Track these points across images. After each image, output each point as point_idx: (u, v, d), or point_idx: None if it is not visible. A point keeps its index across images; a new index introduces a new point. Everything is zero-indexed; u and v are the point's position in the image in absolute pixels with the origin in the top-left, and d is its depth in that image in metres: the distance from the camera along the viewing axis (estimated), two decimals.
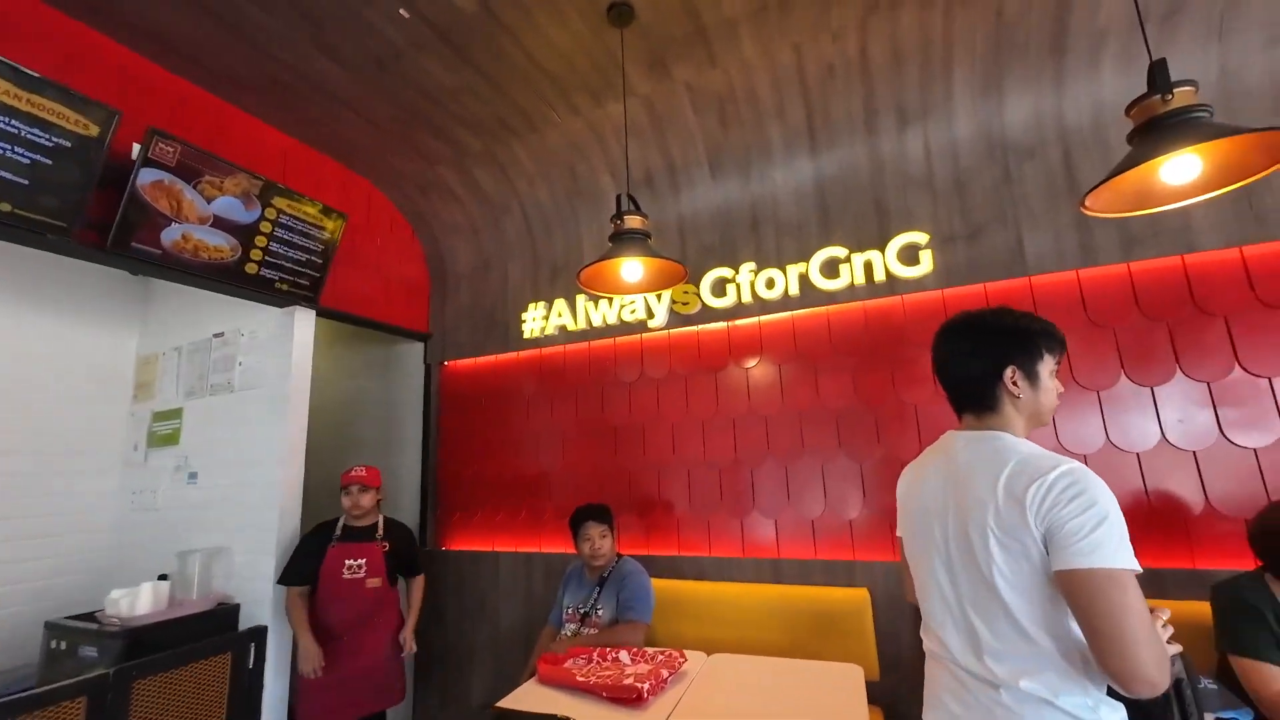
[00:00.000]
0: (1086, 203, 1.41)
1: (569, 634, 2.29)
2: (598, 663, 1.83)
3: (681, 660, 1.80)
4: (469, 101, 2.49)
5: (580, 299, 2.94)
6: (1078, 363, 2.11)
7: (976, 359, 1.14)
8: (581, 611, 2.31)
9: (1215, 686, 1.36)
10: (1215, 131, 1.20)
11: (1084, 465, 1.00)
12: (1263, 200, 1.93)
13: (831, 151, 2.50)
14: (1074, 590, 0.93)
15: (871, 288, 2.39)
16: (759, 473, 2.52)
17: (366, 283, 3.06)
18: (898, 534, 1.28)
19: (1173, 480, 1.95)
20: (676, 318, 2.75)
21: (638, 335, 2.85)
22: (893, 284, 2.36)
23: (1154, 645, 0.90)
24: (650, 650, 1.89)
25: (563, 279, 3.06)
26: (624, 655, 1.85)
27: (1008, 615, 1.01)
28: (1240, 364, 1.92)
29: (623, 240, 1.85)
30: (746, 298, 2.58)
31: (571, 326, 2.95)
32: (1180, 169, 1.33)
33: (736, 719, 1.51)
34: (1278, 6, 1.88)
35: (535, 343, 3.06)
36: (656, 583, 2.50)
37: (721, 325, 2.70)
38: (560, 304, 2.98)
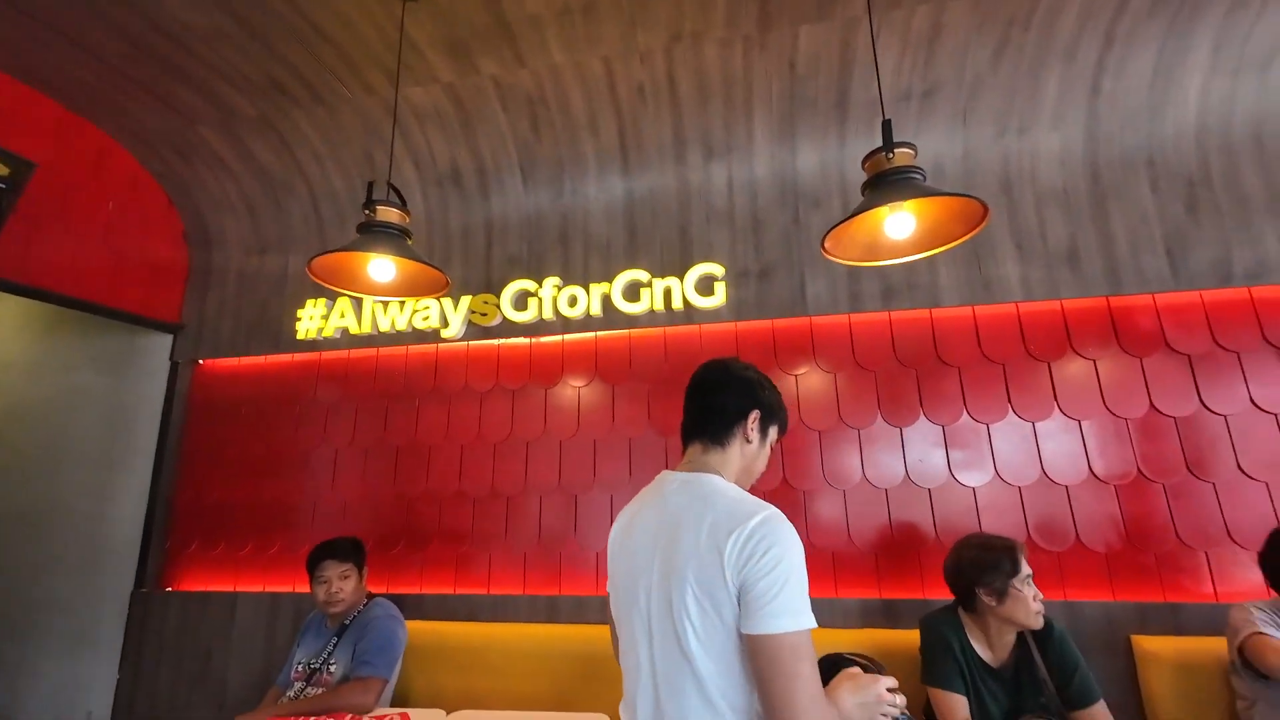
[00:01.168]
0: (826, 244, 1.45)
1: (292, 696, 1.90)
2: None
3: None
4: (229, 53, 2.09)
5: (368, 300, 2.60)
6: (845, 402, 2.23)
7: (734, 394, 1.12)
8: (312, 668, 1.94)
9: (905, 716, 1.41)
10: (918, 191, 1.28)
11: (779, 514, 0.95)
12: (990, 269, 2.19)
13: (643, 174, 2.47)
14: (756, 653, 0.87)
15: (670, 314, 2.36)
16: (548, 502, 2.35)
17: (87, 255, 2.45)
18: (607, 589, 1.15)
19: (911, 514, 2.11)
20: (475, 329, 2.52)
21: (433, 345, 2.58)
22: (690, 313, 2.35)
23: (817, 711, 0.84)
24: (379, 713, 1.60)
25: None
26: None
27: (699, 688, 0.90)
28: (968, 411, 2.15)
29: (373, 234, 1.60)
30: (549, 314, 2.43)
31: (355, 329, 2.59)
32: (898, 225, 1.41)
33: None
34: (1007, 103, 2.18)
35: (312, 345, 2.64)
36: (422, 627, 2.20)
37: (524, 341, 2.52)
38: (344, 303, 2.60)
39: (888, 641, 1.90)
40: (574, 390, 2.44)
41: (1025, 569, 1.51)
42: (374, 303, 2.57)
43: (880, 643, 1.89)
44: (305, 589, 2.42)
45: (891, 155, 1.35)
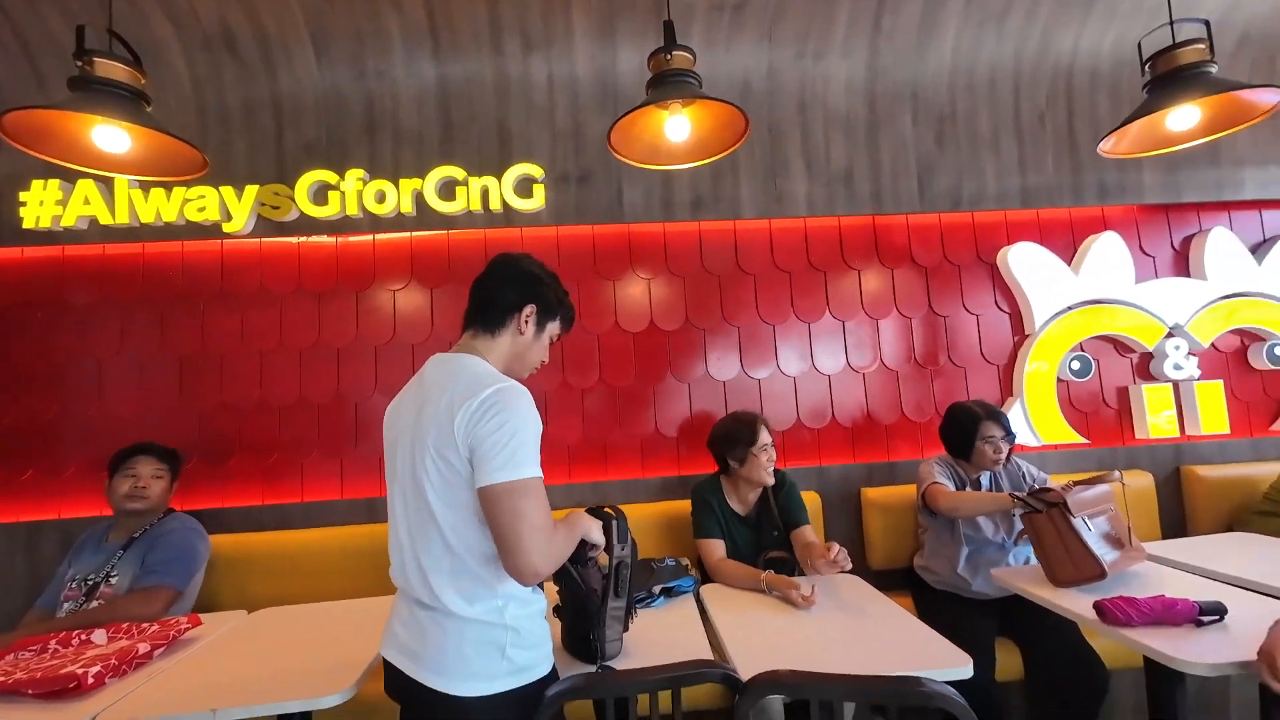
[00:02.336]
0: (612, 138, 1.50)
1: (63, 614, 1.75)
2: (54, 651, 1.41)
3: (186, 627, 1.50)
4: None
5: (123, 183, 2.19)
6: (657, 308, 2.40)
7: (514, 286, 1.17)
8: (90, 583, 1.78)
9: (672, 562, 1.70)
10: (684, 92, 1.37)
11: (518, 387, 1.03)
12: (783, 184, 2.42)
13: (456, 61, 2.30)
14: (485, 505, 0.98)
15: (490, 216, 2.32)
16: (365, 408, 2.29)
17: None
18: (385, 476, 1.19)
19: (709, 404, 2.39)
20: (267, 225, 2.26)
21: (216, 241, 2.28)
22: (510, 215, 2.32)
23: (541, 541, 0.97)
24: (149, 624, 1.54)
25: None
26: (99, 635, 1.46)
27: (440, 536, 1.01)
28: (759, 314, 2.43)
29: (92, 93, 1.34)
30: (354, 210, 2.25)
31: (107, 219, 2.19)
32: (677, 128, 1.51)
33: (220, 681, 1.30)
34: (806, 27, 2.33)
35: (49, 237, 2.19)
36: (230, 539, 2.11)
37: (328, 239, 2.33)
38: (88, 188, 2.17)
39: (682, 510, 2.20)
40: (389, 294, 2.34)
41: (762, 439, 1.83)
42: (130, 187, 2.18)
43: (675, 512, 2.19)
44: (75, 513, 2.17)
45: (670, 56, 1.42)
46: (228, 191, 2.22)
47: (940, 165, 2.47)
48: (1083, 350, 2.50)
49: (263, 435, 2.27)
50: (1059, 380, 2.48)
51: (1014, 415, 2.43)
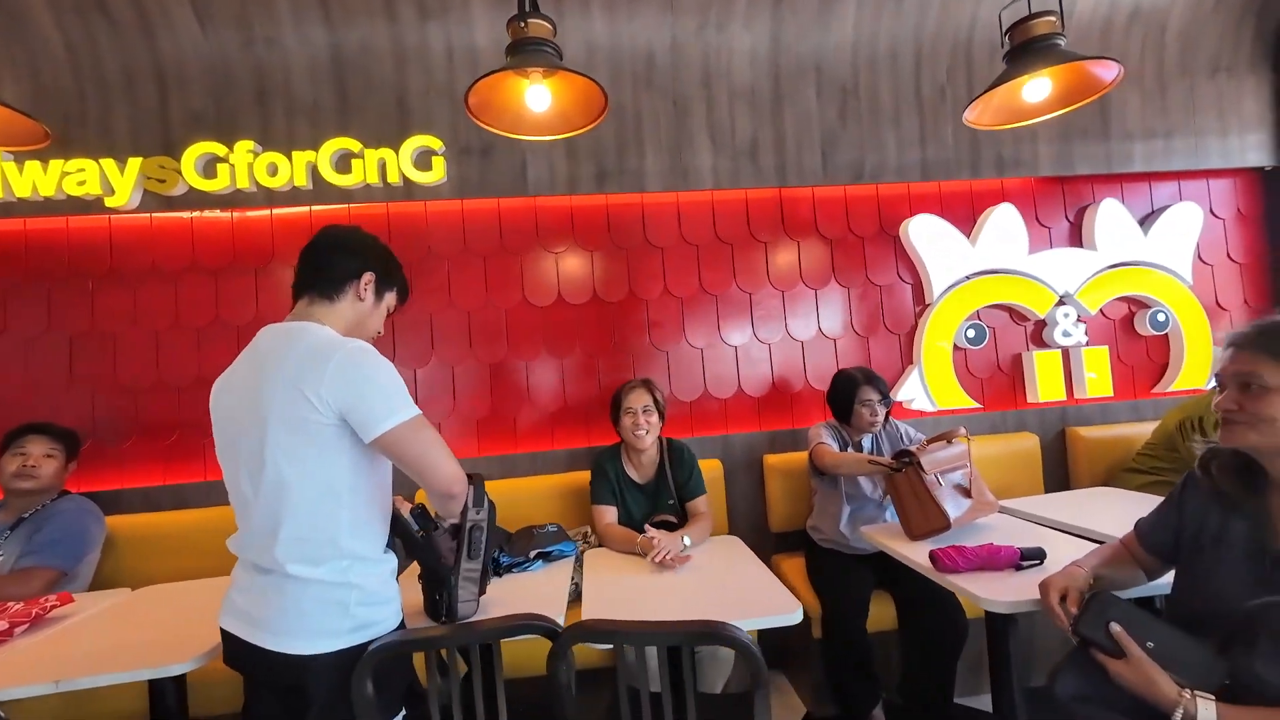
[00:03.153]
0: (470, 101, 1.49)
1: None
2: None
3: (53, 604, 1.50)
4: None
5: None
6: (565, 282, 2.41)
7: (352, 254, 1.19)
8: None
9: (553, 528, 1.75)
10: (544, 60, 1.37)
11: (366, 345, 1.06)
12: (688, 158, 2.43)
13: (349, 28, 2.23)
14: (389, 448, 1.03)
15: (389, 189, 2.28)
16: None
17: None
18: (216, 452, 1.19)
19: (619, 376, 2.43)
20: (154, 199, 2.20)
21: (103, 217, 2.21)
22: (410, 188, 2.29)
23: (447, 455, 1.07)
24: (15, 603, 1.53)
25: None
26: None
27: (290, 504, 1.02)
28: (667, 288, 2.47)
29: None
30: (246, 183, 2.20)
31: None
32: (537, 98, 1.51)
33: (75, 654, 1.30)
34: None
35: None
36: (125, 520, 2.09)
37: (223, 214, 2.27)
38: None
39: (584, 479, 2.25)
40: (289, 270, 2.29)
41: (627, 402, 1.90)
42: (2, 158, 2.08)
43: (578, 482, 2.23)
44: None
45: (525, 24, 1.41)
46: (109, 164, 2.14)
47: (843, 138, 2.50)
48: (979, 319, 2.60)
49: (161, 415, 2.23)
50: (956, 348, 2.58)
51: (912, 382, 2.53)
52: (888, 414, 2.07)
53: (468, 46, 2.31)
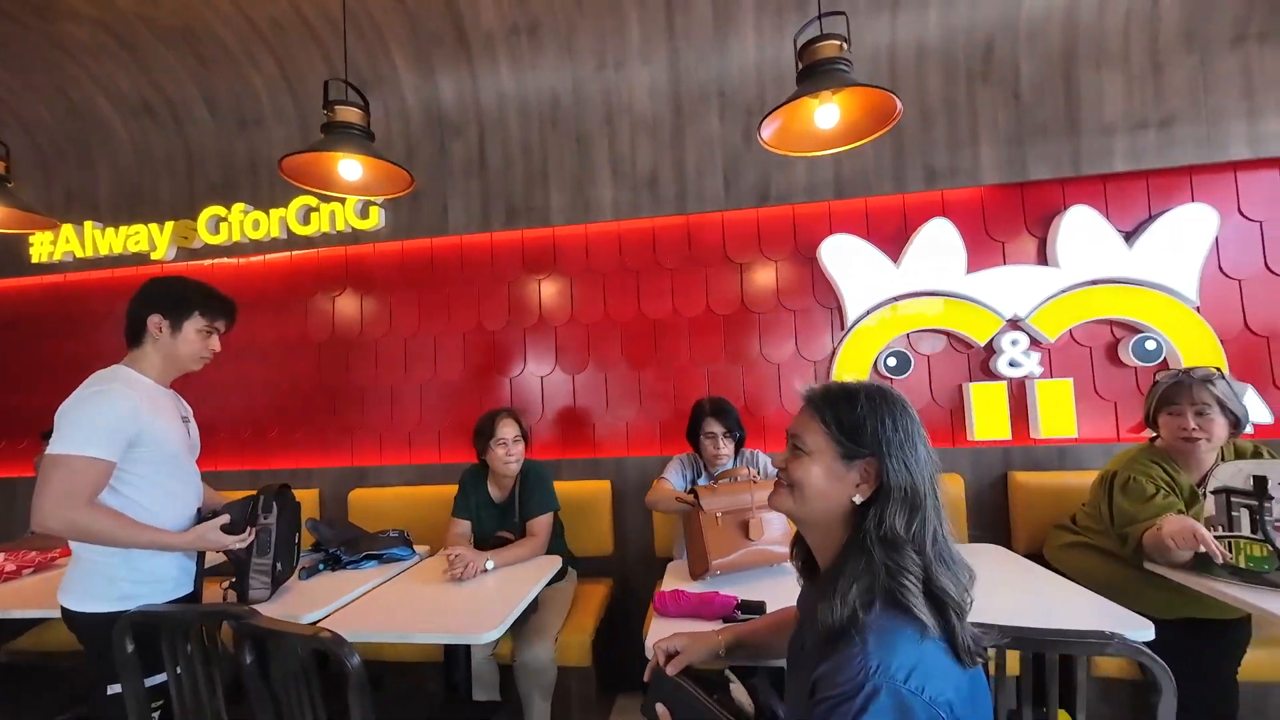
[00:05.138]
0: (283, 166, 1.80)
1: None
2: None
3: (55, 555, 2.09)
4: None
5: (89, 226, 2.89)
6: (485, 310, 2.67)
7: (138, 306, 1.47)
8: None
9: (395, 534, 2.00)
10: (354, 145, 1.63)
11: (98, 385, 1.36)
12: (589, 191, 2.55)
13: (311, 112, 2.69)
14: None
15: (340, 235, 2.72)
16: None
17: None
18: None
19: (492, 400, 2.62)
20: (184, 252, 2.85)
21: (153, 267, 2.92)
22: (356, 234, 2.70)
23: (52, 505, 1.27)
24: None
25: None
26: None
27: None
28: (573, 315, 2.61)
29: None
30: (238, 236, 2.76)
31: (81, 253, 2.90)
32: (349, 170, 1.77)
33: None
34: (600, 41, 2.43)
35: (45, 268, 2.96)
36: None
37: (230, 261, 2.88)
38: (67, 230, 2.89)
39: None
40: (260, 306, 2.83)
41: (499, 433, 2.04)
42: (94, 229, 2.87)
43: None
44: None
45: (334, 111, 1.68)
46: (154, 227, 2.83)
47: (747, 161, 2.44)
48: (907, 345, 2.37)
49: None
50: (881, 377, 2.37)
51: None
52: (738, 446, 2.02)
53: (400, 109, 2.67)
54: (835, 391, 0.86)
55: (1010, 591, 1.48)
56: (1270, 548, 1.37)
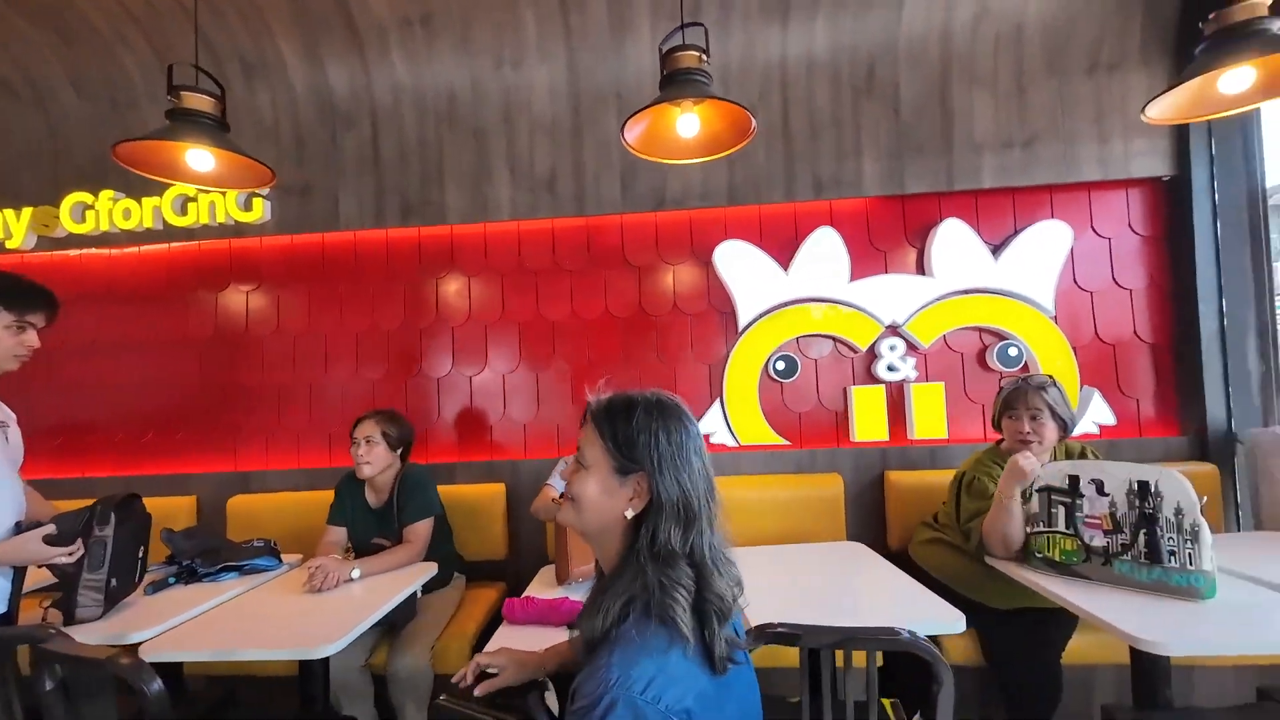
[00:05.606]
0: (118, 153, 1.70)
1: None
2: None
3: None
4: None
5: None
6: (379, 306, 2.58)
7: None
8: None
9: (260, 544, 1.91)
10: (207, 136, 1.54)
11: None
12: (488, 191, 2.51)
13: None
14: None
15: (221, 228, 2.57)
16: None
17: None
18: None
19: (417, 401, 2.56)
20: (46, 241, 2.64)
21: (14, 256, 2.69)
22: (239, 227, 2.57)
23: None
24: None
25: None
26: None
27: None
28: (471, 315, 2.56)
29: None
30: (107, 225, 2.57)
31: None
32: (199, 160, 1.68)
33: None
34: (498, 36, 2.39)
35: None
36: None
37: (99, 252, 2.68)
38: None
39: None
40: (144, 300, 2.66)
41: (354, 435, 1.99)
42: None
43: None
44: None
45: (180, 97, 1.59)
46: (9, 213, 2.60)
47: (644, 164, 2.45)
48: (796, 350, 2.44)
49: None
50: (771, 380, 2.44)
51: (714, 416, 2.43)
52: None
53: (288, 98, 2.55)
54: (616, 404, 0.86)
55: (851, 588, 1.55)
56: (1079, 542, 1.49)
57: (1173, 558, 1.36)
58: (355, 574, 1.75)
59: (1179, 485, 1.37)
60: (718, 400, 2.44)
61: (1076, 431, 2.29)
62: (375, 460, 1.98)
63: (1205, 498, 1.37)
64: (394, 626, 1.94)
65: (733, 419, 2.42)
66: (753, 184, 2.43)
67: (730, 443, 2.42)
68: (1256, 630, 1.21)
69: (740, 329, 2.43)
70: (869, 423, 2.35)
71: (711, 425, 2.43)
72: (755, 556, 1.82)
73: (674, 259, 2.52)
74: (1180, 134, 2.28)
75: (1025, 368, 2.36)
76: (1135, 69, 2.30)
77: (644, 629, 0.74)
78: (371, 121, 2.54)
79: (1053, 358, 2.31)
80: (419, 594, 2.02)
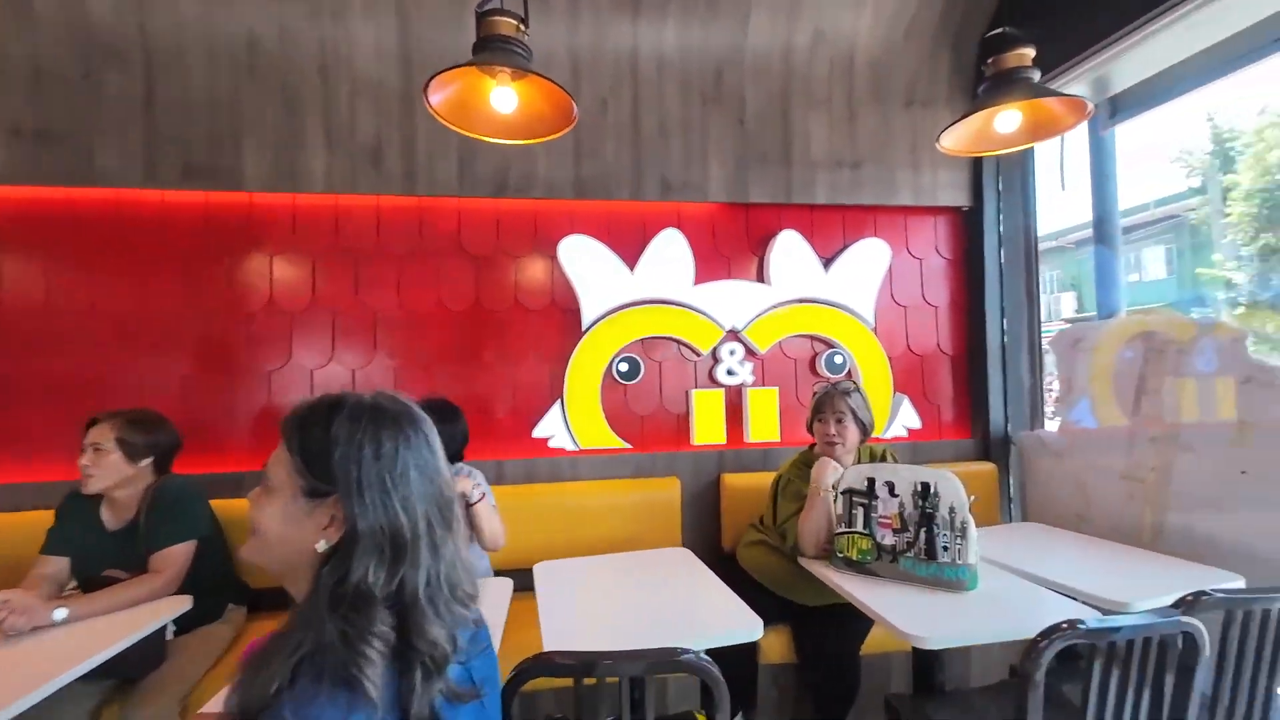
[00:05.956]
0: None
1: None
2: None
3: None
4: None
5: None
6: (150, 282, 2.13)
7: None
8: None
9: None
10: None
11: None
12: (299, 158, 2.17)
13: None
14: None
15: None
16: None
17: None
18: None
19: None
20: None
21: None
22: None
23: None
24: None
25: None
26: None
27: None
28: (273, 298, 2.20)
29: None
30: None
31: None
32: None
33: None
34: None
35: None
36: None
37: None
38: None
39: None
40: None
41: (84, 440, 1.60)
42: None
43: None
44: None
45: None
46: None
47: (485, 147, 2.26)
48: (640, 351, 2.40)
49: None
50: (614, 382, 2.37)
51: (553, 418, 2.31)
52: (454, 457, 1.84)
53: (26, 15, 2.02)
54: (311, 410, 0.70)
55: (665, 599, 1.50)
56: (873, 541, 1.56)
57: (946, 553, 1.46)
58: (59, 616, 1.37)
59: (953, 486, 1.48)
60: (558, 402, 2.32)
61: (888, 434, 2.50)
62: (103, 473, 1.59)
63: (975, 496, 1.49)
64: (135, 675, 1.57)
65: (573, 422, 2.31)
66: (601, 179, 2.34)
67: (570, 446, 2.31)
68: (1006, 617, 1.33)
69: (584, 328, 2.33)
70: (708, 426, 2.37)
71: (551, 428, 2.31)
72: (578, 568, 1.71)
73: (516, 251, 2.36)
74: (976, 170, 2.57)
75: (849, 375, 2.51)
76: (943, 108, 2.55)
77: (315, 693, 0.58)
78: (144, 59, 2.08)
79: (872, 366, 2.49)
80: (170, 634, 1.66)
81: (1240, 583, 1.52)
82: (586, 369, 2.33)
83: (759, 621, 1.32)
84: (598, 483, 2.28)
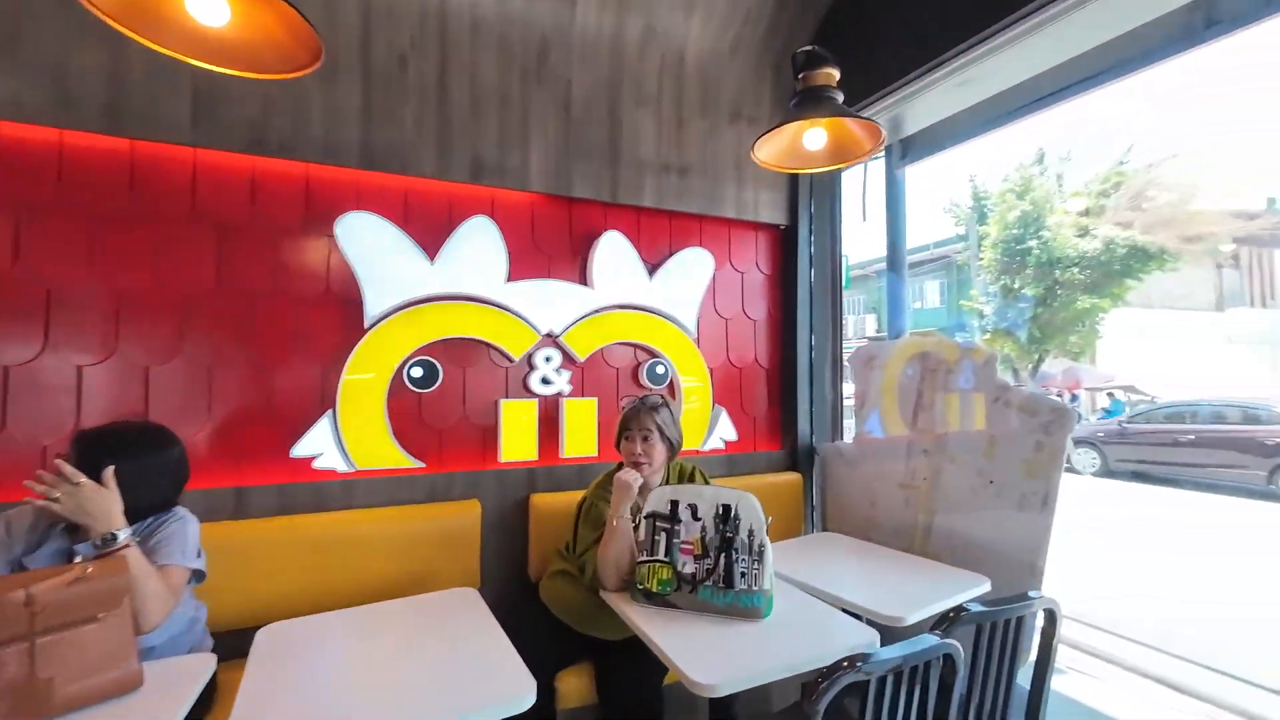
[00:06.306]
0: None
1: None
2: None
3: None
4: None
5: None
6: None
7: None
8: None
9: None
10: None
11: None
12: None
13: None
14: None
15: None
16: None
17: None
18: None
19: None
20: None
21: None
22: None
23: None
24: None
25: None
26: None
27: None
28: None
29: None
30: None
31: None
32: None
33: None
34: None
35: None
36: None
37: None
38: None
39: None
40: None
41: None
42: None
43: None
44: None
45: None
46: None
47: (238, 87, 1.79)
48: (443, 354, 2.07)
49: None
50: (405, 389, 2.01)
51: (320, 433, 1.89)
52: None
53: None
54: None
55: (429, 661, 1.21)
56: (673, 570, 1.44)
57: (743, 579, 1.38)
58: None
59: (752, 507, 1.42)
60: (329, 413, 1.90)
61: (706, 447, 2.46)
62: None
63: (770, 518, 1.44)
64: None
65: (347, 437, 1.90)
66: (396, 149, 1.98)
67: (343, 467, 1.90)
68: (797, 649, 1.27)
69: (367, 324, 1.94)
70: (518, 441, 2.11)
71: (317, 444, 1.87)
72: (319, 628, 1.35)
73: (278, 221, 1.89)
74: (794, 191, 2.67)
75: (670, 386, 2.44)
76: (765, 126, 2.58)
77: None
78: None
79: (693, 378, 2.44)
80: None
81: (987, 585, 1.67)
82: (370, 372, 1.94)
83: (533, 684, 1.10)
84: (376, 510, 1.90)
